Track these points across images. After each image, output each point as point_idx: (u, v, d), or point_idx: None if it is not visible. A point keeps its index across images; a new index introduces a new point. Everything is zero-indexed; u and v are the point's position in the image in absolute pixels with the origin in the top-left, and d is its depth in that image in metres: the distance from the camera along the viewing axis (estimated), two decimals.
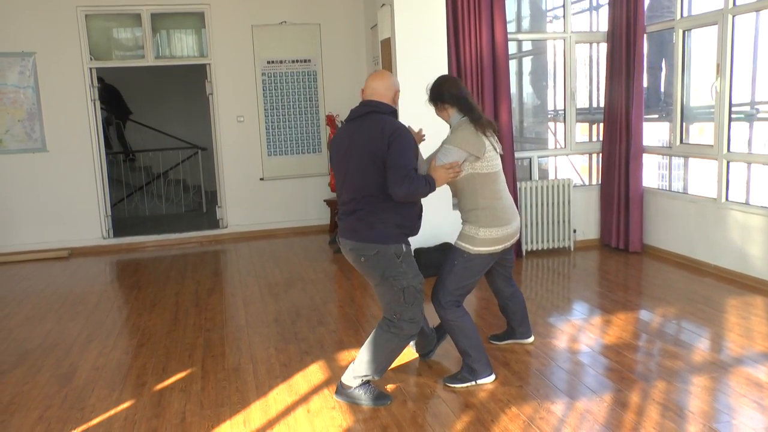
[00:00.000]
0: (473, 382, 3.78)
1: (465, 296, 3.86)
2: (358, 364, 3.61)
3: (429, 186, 3.45)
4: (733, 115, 5.92)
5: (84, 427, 3.49)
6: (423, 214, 3.66)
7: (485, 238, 3.72)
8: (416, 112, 6.33)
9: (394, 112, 3.56)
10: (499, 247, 3.78)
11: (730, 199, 5.90)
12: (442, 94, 3.80)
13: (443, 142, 3.76)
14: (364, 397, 3.59)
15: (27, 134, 7.92)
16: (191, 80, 10.74)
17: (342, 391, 3.66)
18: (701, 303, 5.13)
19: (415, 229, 3.59)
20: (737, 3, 5.65)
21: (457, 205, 3.94)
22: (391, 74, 3.65)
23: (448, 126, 3.89)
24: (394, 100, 3.57)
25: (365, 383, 3.62)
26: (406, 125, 3.57)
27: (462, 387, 3.77)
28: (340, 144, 3.58)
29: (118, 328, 5.17)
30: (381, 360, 3.57)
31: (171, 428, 3.44)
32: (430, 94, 3.86)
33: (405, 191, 3.33)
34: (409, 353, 4.24)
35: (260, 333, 4.85)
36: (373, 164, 3.38)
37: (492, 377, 3.81)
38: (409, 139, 3.44)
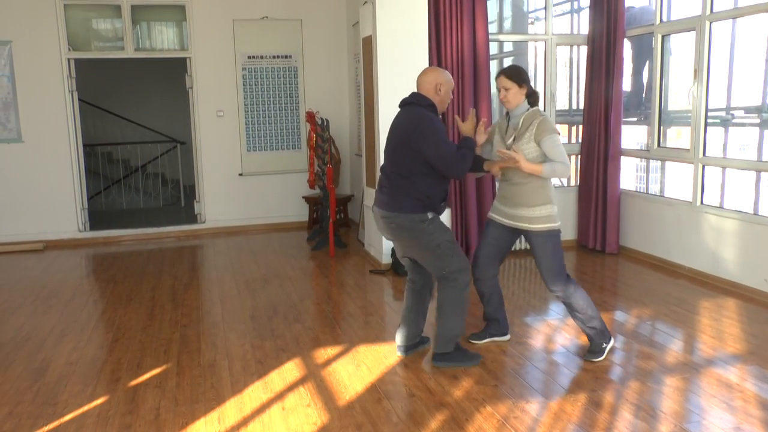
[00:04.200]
0: (608, 345, 4.11)
1: None
2: (441, 331, 3.96)
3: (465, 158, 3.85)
4: (709, 120, 6.00)
5: (56, 423, 3.45)
6: (447, 199, 4.06)
7: (556, 213, 4.00)
8: (395, 113, 6.34)
9: (431, 106, 3.89)
10: None
11: (705, 202, 5.98)
12: (527, 80, 3.99)
13: (544, 132, 3.86)
14: (459, 358, 4.00)
15: (2, 124, 7.80)
16: (171, 73, 10.64)
17: (440, 358, 4.00)
18: (675, 305, 5.19)
19: (437, 209, 3.93)
20: (715, 10, 5.73)
21: (509, 196, 4.07)
22: (438, 69, 3.99)
23: (506, 111, 4.08)
24: (437, 91, 3.90)
25: (457, 345, 4.02)
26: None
27: (603, 357, 4.07)
28: (390, 127, 4.03)
29: (93, 322, 5.12)
30: (455, 316, 3.93)
31: (145, 425, 3.41)
32: (516, 73, 3.99)
33: (456, 171, 3.81)
34: (386, 353, 4.25)
35: (236, 329, 4.83)
36: (404, 149, 3.82)
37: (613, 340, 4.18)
38: (433, 127, 3.77)
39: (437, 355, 4.02)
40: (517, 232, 4.13)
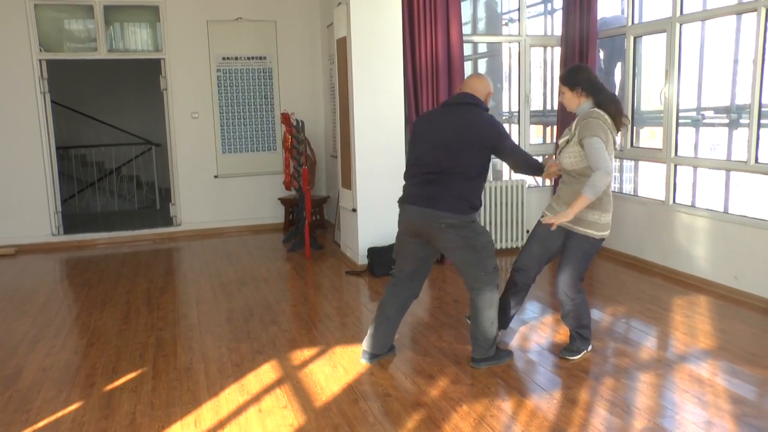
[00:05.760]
0: (586, 350, 4.16)
1: None
2: (485, 335, 3.96)
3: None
4: (680, 120, 6.09)
5: (29, 429, 3.41)
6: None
7: (606, 222, 3.91)
8: (370, 114, 6.37)
9: (487, 110, 3.98)
10: (609, 232, 3.97)
11: (677, 201, 6.07)
12: (582, 81, 3.87)
13: (582, 134, 3.74)
14: (498, 356, 4.06)
15: None
16: (145, 75, 10.55)
17: (480, 362, 4.02)
18: (649, 302, 5.26)
19: (478, 208, 3.96)
20: (684, 12, 5.82)
21: (561, 195, 4.01)
22: (488, 79, 4.05)
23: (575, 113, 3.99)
24: (486, 99, 3.98)
25: (496, 348, 4.07)
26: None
27: (579, 357, 4.11)
28: (433, 121, 3.99)
29: (67, 327, 5.06)
30: (493, 318, 3.96)
31: (120, 430, 3.38)
32: (568, 76, 3.93)
33: (521, 170, 4.08)
34: (355, 357, 4.27)
35: (212, 332, 4.80)
36: (477, 151, 3.81)
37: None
38: (504, 130, 3.92)
39: (480, 360, 4.00)
40: (564, 232, 3.98)
